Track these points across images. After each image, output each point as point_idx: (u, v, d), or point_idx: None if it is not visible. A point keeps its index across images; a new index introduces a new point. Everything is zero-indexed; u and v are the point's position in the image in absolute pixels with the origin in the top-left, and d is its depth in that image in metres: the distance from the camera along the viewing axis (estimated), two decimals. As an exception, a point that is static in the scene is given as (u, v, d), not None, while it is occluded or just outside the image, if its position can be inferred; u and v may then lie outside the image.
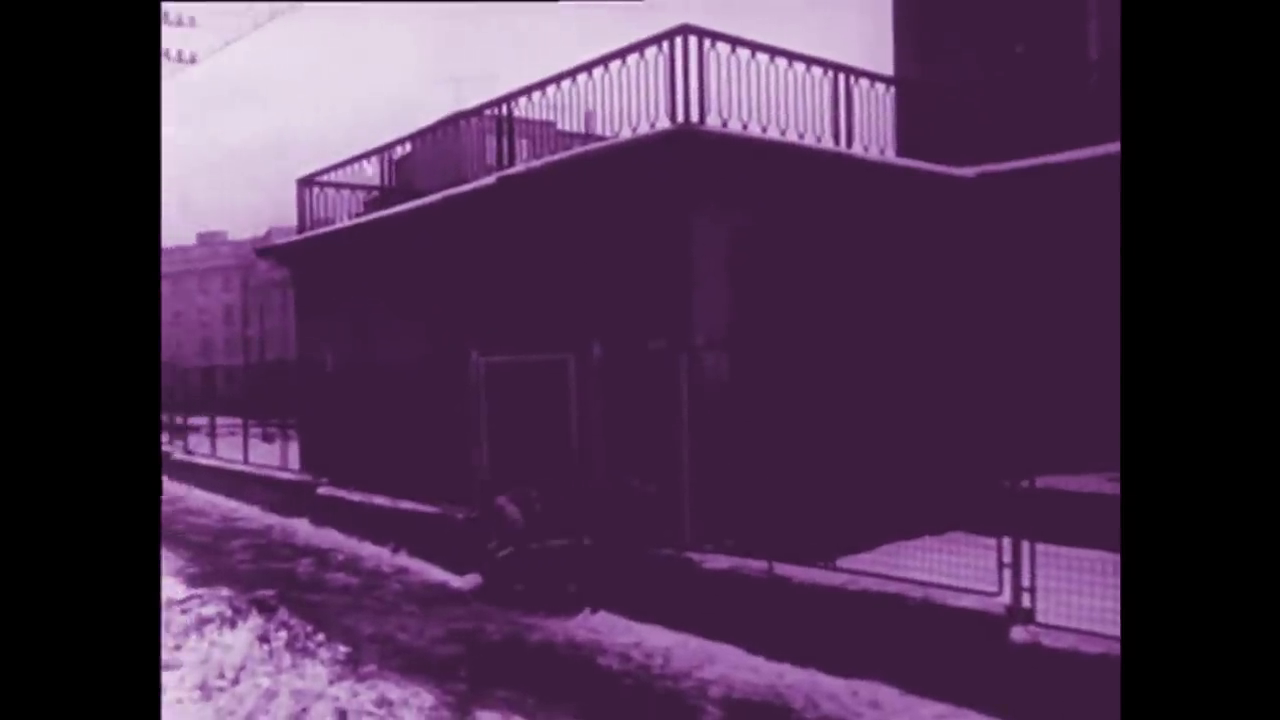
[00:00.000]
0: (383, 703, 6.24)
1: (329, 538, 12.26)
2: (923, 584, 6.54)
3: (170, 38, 17.81)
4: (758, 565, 7.44)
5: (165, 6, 18.13)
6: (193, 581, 9.60)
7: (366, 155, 14.71)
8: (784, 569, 7.30)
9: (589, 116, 10.62)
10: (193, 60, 17.82)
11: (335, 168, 15.29)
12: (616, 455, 8.95)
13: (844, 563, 7.30)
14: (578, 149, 9.82)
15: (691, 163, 8.67)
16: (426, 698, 6.36)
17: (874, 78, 10.31)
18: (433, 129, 13.35)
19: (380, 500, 11.85)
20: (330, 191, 15.47)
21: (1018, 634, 5.86)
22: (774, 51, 9.32)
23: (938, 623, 6.29)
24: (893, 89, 10.65)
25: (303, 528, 13.07)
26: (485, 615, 8.43)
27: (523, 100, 10.89)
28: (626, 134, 9.16)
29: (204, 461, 18.38)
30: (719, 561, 7.77)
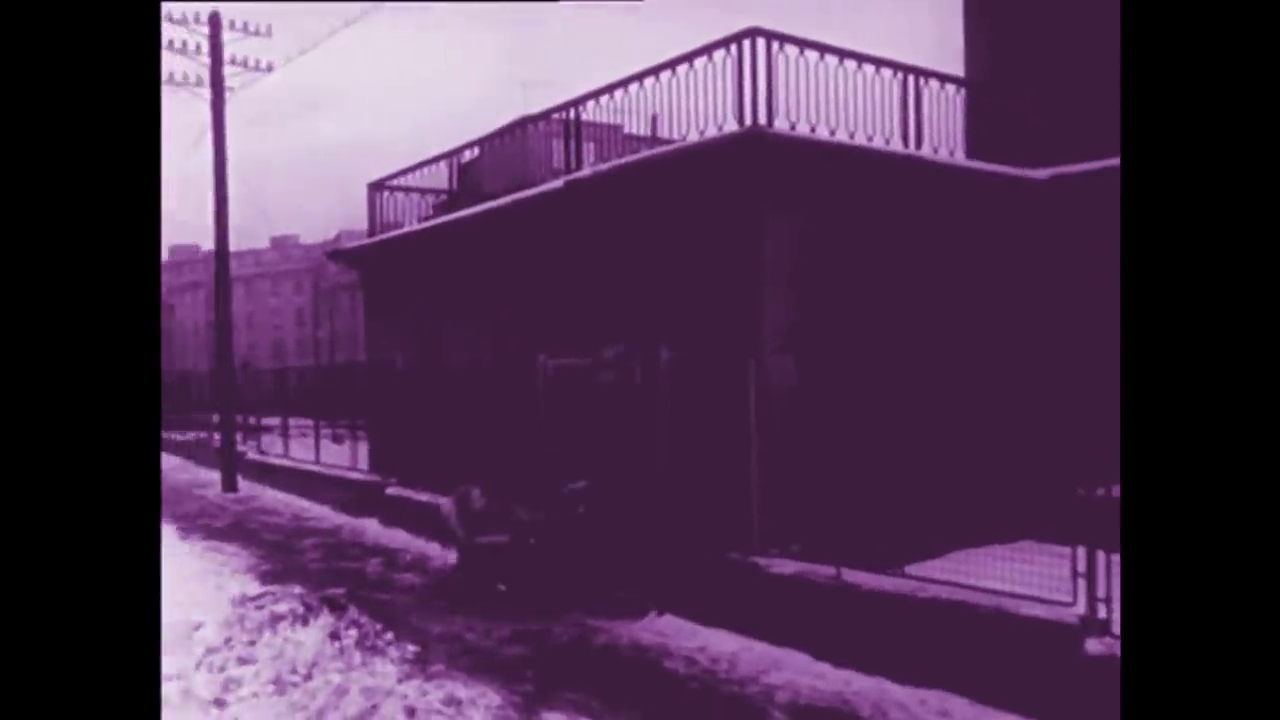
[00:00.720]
0: (451, 701, 6.31)
1: (397, 538, 12.41)
2: (994, 593, 6.44)
3: (247, 46, 18.16)
4: (825, 571, 7.39)
5: (241, 18, 18.48)
6: (265, 579, 9.78)
7: (435, 160, 14.89)
8: (851, 575, 7.24)
9: (654, 119, 10.64)
10: (269, 69, 18.12)
11: (405, 172, 15.50)
12: (683, 458, 8.94)
13: (912, 570, 7.21)
14: (645, 153, 9.84)
15: (759, 166, 8.64)
16: (494, 698, 6.41)
17: (944, 78, 10.19)
18: (500, 133, 13.47)
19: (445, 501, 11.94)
20: (399, 195, 15.69)
21: (1093, 646, 5.75)
22: (842, 53, 9.25)
23: (1009, 632, 6.19)
24: (963, 90, 10.51)
25: (372, 527, 13.25)
26: (553, 616, 8.47)
27: (590, 104, 10.94)
28: (694, 137, 9.16)
29: (276, 462, 18.71)
30: (786, 566, 7.73)
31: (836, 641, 7.09)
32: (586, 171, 10.44)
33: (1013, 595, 6.34)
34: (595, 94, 10.75)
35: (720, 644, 7.60)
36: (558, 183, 10.58)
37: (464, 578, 9.14)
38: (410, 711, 6.11)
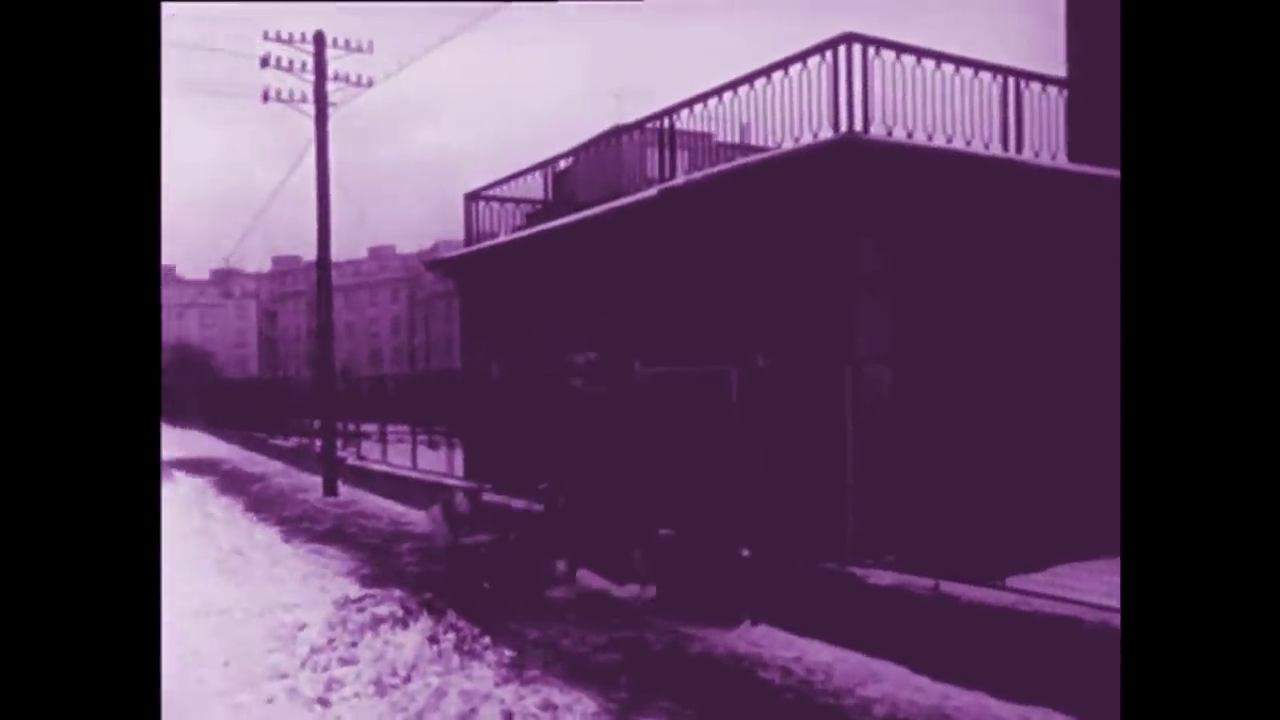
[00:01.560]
0: (547, 706, 6.37)
1: (493, 543, 12.56)
2: (1100, 607, 6.27)
3: (348, 63, 18.64)
4: (923, 583, 7.27)
5: (343, 35, 18.92)
6: (366, 582, 9.98)
7: (530, 170, 15.08)
8: (951, 587, 7.12)
9: (746, 127, 10.63)
10: (369, 84, 18.56)
11: (500, 183, 15.73)
12: (778, 467, 8.90)
13: (1014, 582, 7.07)
14: (739, 160, 9.83)
15: (854, 172, 8.57)
16: (589, 704, 6.45)
17: (1045, 80, 9.98)
18: (593, 143, 13.58)
19: (539, 507, 12.05)
20: (495, 205, 15.93)
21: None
22: (940, 56, 9.13)
23: (1117, 649, 6.01)
24: (1064, 92, 10.28)
25: (468, 533, 13.43)
26: (647, 624, 8.49)
27: (683, 113, 10.98)
28: (788, 144, 9.12)
29: (375, 467, 19.10)
30: (883, 577, 7.63)
31: (935, 655, 6.97)
32: (680, 180, 10.47)
33: (1119, 610, 6.16)
34: (689, 102, 10.78)
35: (816, 654, 7.54)
36: (652, 191, 10.62)
37: (451, 577, 9.28)
38: (508, 716, 6.18)
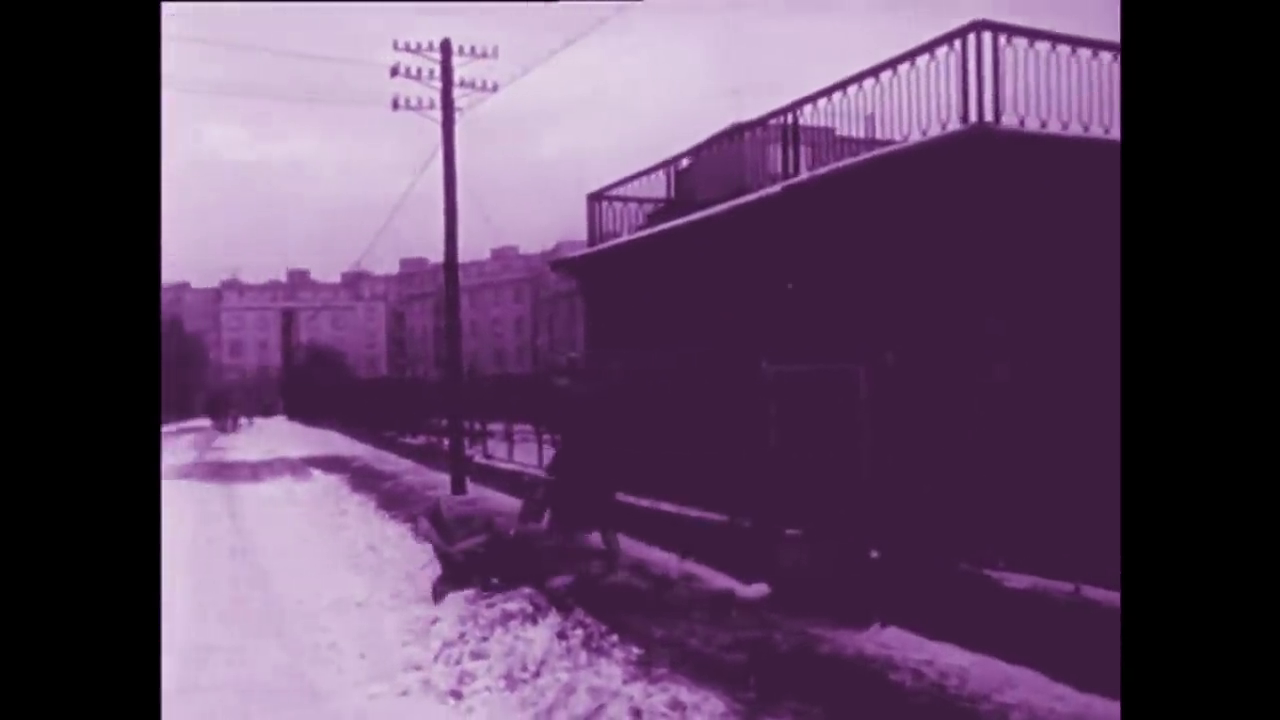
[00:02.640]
0: (675, 705, 6.36)
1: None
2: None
3: (473, 69, 19.00)
4: (1063, 586, 7.04)
5: (468, 42, 19.29)
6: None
7: (652, 170, 15.14)
8: (1092, 591, 6.87)
9: (869, 121, 10.46)
10: (494, 88, 18.89)
11: (622, 182, 15.83)
12: (907, 466, 8.74)
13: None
14: (865, 155, 9.68)
15: (985, 164, 8.35)
16: (717, 703, 6.43)
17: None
18: (714, 141, 13.56)
19: (667, 506, 12.09)
20: (617, 205, 16.04)
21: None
22: (1075, 42, 8.84)
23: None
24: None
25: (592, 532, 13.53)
26: (773, 624, 8.43)
27: (806, 108, 10.87)
28: (915, 137, 8.95)
29: (501, 465, 19.40)
30: (1020, 580, 7.42)
31: (1076, 662, 6.73)
32: (804, 176, 10.37)
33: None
34: (812, 97, 10.67)
35: (949, 658, 7.36)
36: (776, 188, 10.55)
37: (447, 581, 9.35)
38: (636, 713, 6.20)
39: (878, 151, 9.48)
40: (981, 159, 8.29)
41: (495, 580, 9.06)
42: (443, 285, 19.64)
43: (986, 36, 8.40)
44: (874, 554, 8.64)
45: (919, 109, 8.99)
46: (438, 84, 18.85)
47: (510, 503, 16.97)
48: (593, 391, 10.54)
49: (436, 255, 20.78)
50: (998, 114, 8.39)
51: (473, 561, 9.15)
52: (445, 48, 18.84)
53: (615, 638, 7.71)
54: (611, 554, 9.84)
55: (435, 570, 9.64)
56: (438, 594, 9.06)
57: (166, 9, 4.78)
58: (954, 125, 8.52)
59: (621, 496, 13.46)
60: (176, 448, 34.26)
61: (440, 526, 9.34)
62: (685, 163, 14.75)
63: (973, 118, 8.36)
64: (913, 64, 9.07)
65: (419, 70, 18.80)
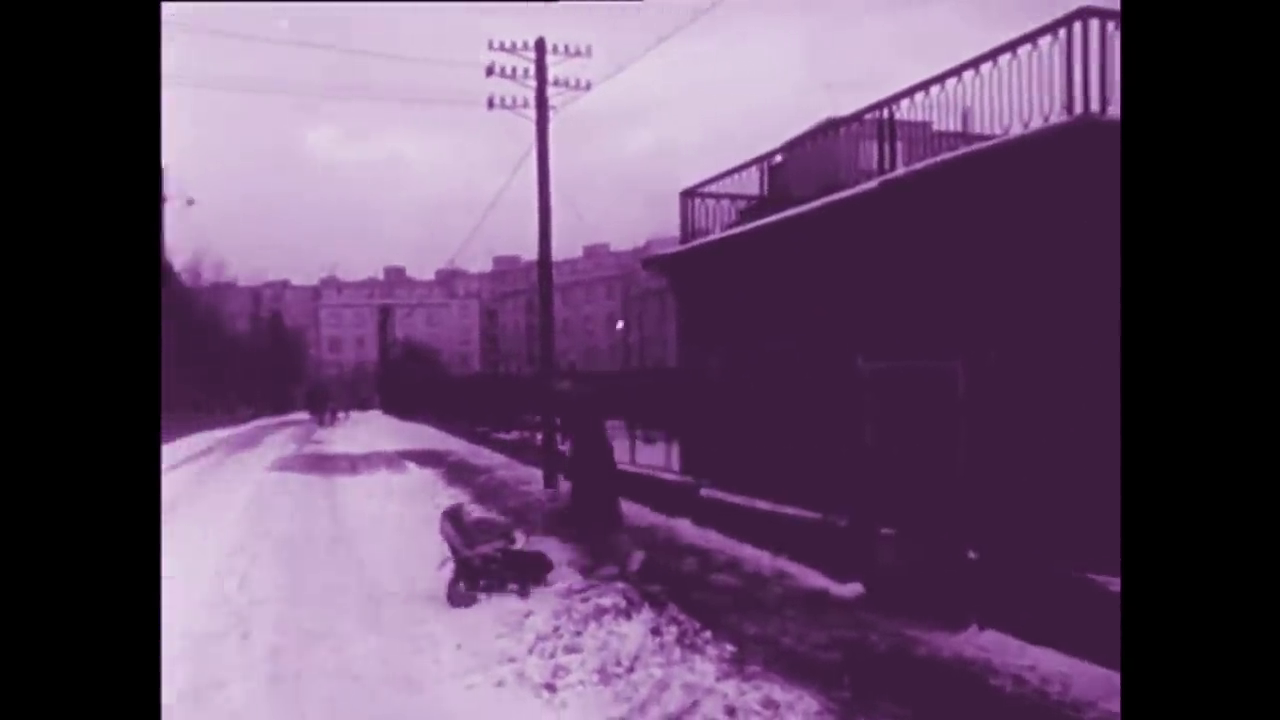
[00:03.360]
0: (769, 704, 6.33)
1: (710, 539, 12.63)
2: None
3: (567, 67, 19.14)
4: (1170, 592, 6.82)
5: (562, 41, 19.43)
6: (586, 573, 10.20)
7: (744, 166, 15.04)
8: (1202, 598, 6.64)
9: (966, 114, 10.24)
10: (588, 87, 19.00)
11: (715, 179, 15.76)
12: (1007, 466, 8.55)
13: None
14: (965, 149, 9.48)
15: (1091, 155, 8.11)
16: (811, 703, 6.38)
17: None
18: (807, 136, 13.42)
19: (761, 504, 12.05)
20: (710, 202, 15.98)
21: None
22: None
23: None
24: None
25: (685, 528, 13.55)
26: (868, 624, 8.34)
27: (903, 102, 10.69)
28: (1017, 130, 8.74)
29: (593, 460, 19.49)
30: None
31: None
32: (901, 171, 10.21)
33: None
34: (909, 91, 10.49)
35: (1050, 663, 7.19)
36: (872, 184, 10.41)
37: (462, 583, 9.40)
38: (730, 710, 6.19)
39: (979, 145, 9.27)
40: (1087, 150, 8.04)
41: (513, 586, 9.17)
42: (535, 283, 19.83)
43: (1093, 24, 8.15)
44: (971, 555, 8.48)
45: (1020, 101, 8.78)
46: (532, 83, 19.02)
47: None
48: (594, 392, 10.66)
49: (529, 253, 21.01)
50: (1104, 104, 8.13)
51: (488, 566, 9.26)
52: (539, 47, 19.01)
53: (708, 634, 7.70)
54: (624, 557, 9.87)
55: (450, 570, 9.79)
56: (452, 596, 9.20)
57: (167, 9, 4.81)
58: (1058, 117, 8.28)
59: (711, 492, 13.47)
60: (277, 440, 35.20)
61: (460, 529, 9.45)
62: (778, 159, 14.63)
63: (1078, 108, 8.12)
64: (1014, 54, 8.85)
65: (513, 69, 19.01)
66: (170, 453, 27.34)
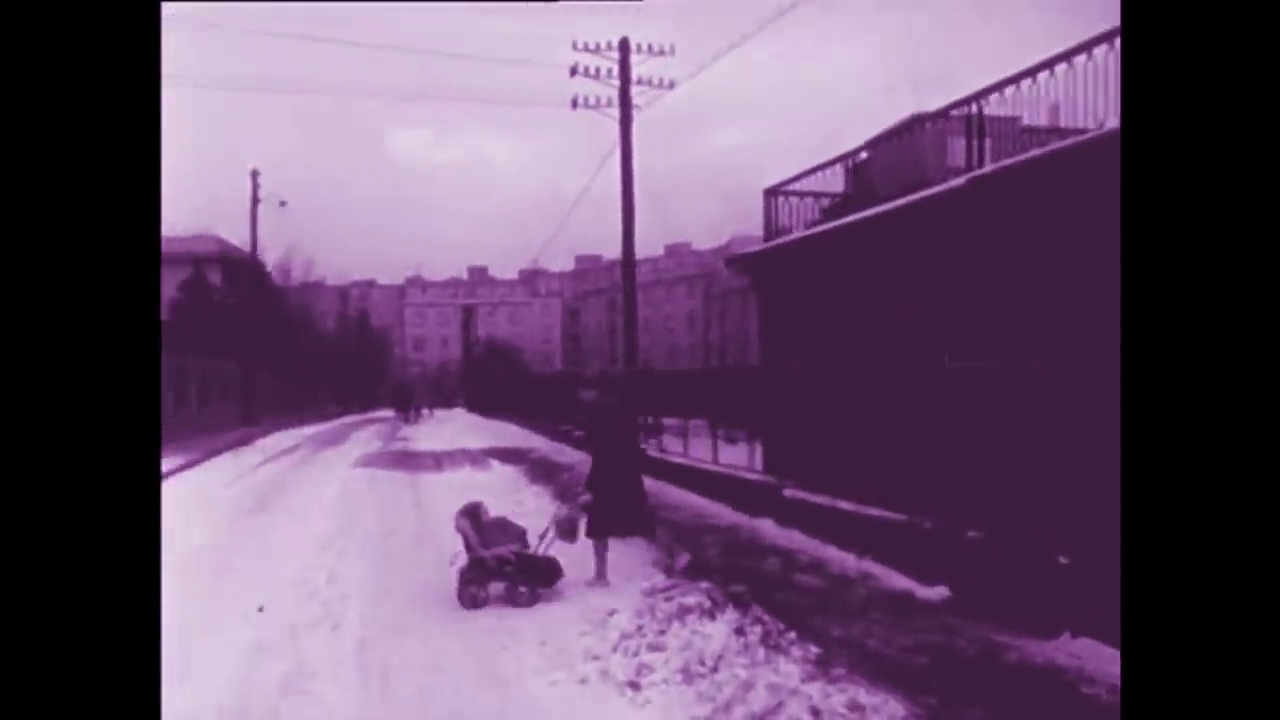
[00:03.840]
0: (854, 707, 6.26)
1: (793, 539, 12.54)
2: None
3: (650, 66, 19.18)
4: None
5: (645, 40, 19.46)
6: (670, 572, 10.20)
7: (829, 164, 14.92)
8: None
9: (1057, 108, 10.00)
10: (671, 85, 19.03)
11: (799, 177, 15.67)
12: (1099, 470, 8.33)
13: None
14: (1058, 143, 9.27)
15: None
16: (897, 707, 6.29)
17: None
18: (892, 133, 13.26)
19: (845, 505, 11.93)
20: (794, 200, 15.88)
21: None
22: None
23: None
24: None
25: (767, 528, 13.48)
26: (955, 629, 8.20)
27: (992, 97, 10.50)
28: (1112, 124, 8.52)
29: (675, 460, 19.51)
30: (1224, 593, 6.98)
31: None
32: (990, 167, 10.02)
33: None
34: (998, 86, 10.30)
35: (1146, 672, 6.99)
36: (960, 180, 10.23)
37: (473, 582, 9.35)
38: (815, 712, 6.13)
39: (1071, 140, 9.05)
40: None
41: (523, 589, 9.20)
42: (617, 281, 19.90)
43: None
44: (1063, 560, 8.28)
45: (1116, 94, 8.56)
46: (616, 82, 19.10)
47: (685, 497, 17.09)
48: (620, 402, 10.57)
49: (610, 252, 21.14)
50: (1204, 97, 7.89)
51: (502, 568, 9.26)
52: (623, 46, 19.08)
53: (793, 635, 7.64)
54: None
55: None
56: (463, 596, 9.23)
57: (167, 9, 4.83)
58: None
59: (795, 493, 13.38)
60: (362, 437, 35.84)
61: (478, 527, 9.45)
62: (863, 155, 14.48)
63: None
64: (1110, 46, 8.63)
65: (597, 69, 19.11)
66: (260, 449, 28.09)
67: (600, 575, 9.73)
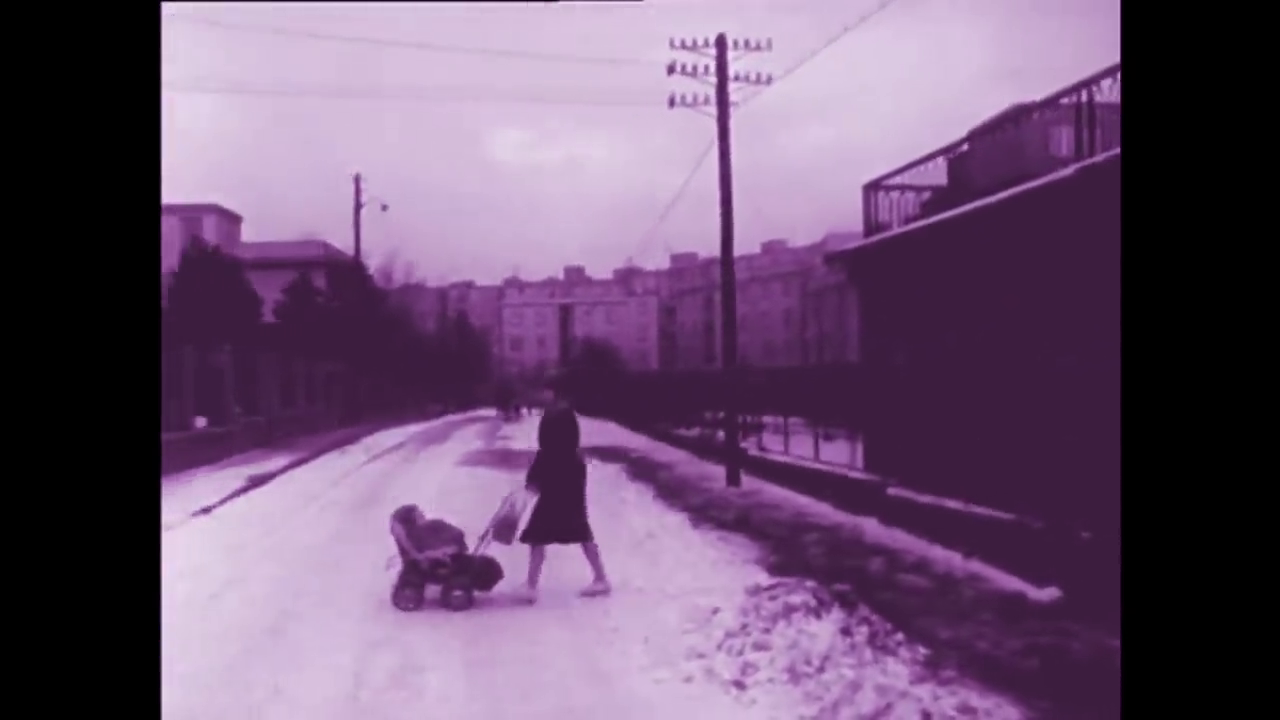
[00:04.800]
0: (965, 710, 6.13)
1: (897, 538, 12.36)
2: None
3: (747, 62, 19.07)
4: None
5: (743, 35, 19.37)
6: (773, 570, 10.15)
7: (929, 157, 14.69)
8: None
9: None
10: (768, 81, 18.90)
11: (899, 171, 15.45)
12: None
13: None
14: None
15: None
16: (1010, 711, 6.15)
17: None
18: (995, 124, 12.98)
19: (951, 503, 11.73)
20: (894, 194, 15.66)
21: None
22: None
23: None
24: None
25: (870, 526, 13.31)
26: (1069, 632, 7.98)
27: (1103, 83, 10.20)
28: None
29: (775, 458, 19.42)
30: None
31: None
32: (1102, 156, 9.73)
33: None
34: (1109, 72, 10.00)
35: (1274, 679, 6.72)
36: (1068, 170, 9.96)
37: (408, 585, 9.28)
38: (926, 715, 6.01)
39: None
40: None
41: (458, 592, 9.16)
42: (713, 280, 19.88)
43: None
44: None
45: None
46: (713, 79, 19.04)
47: (786, 496, 16.98)
48: (568, 406, 10.43)
49: (706, 250, 21.15)
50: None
51: (436, 570, 9.22)
52: (720, 43, 19.01)
53: (900, 636, 7.52)
54: (597, 569, 9.62)
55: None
56: (397, 597, 9.22)
57: (167, 9, 4.84)
58: None
59: (899, 491, 13.18)
60: (464, 435, 36.41)
61: (411, 531, 9.42)
62: (964, 148, 14.22)
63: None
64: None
65: (694, 67, 19.08)
66: (366, 448, 28.71)
67: (532, 582, 9.57)
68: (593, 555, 9.69)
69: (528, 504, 9.66)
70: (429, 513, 9.91)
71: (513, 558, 9.59)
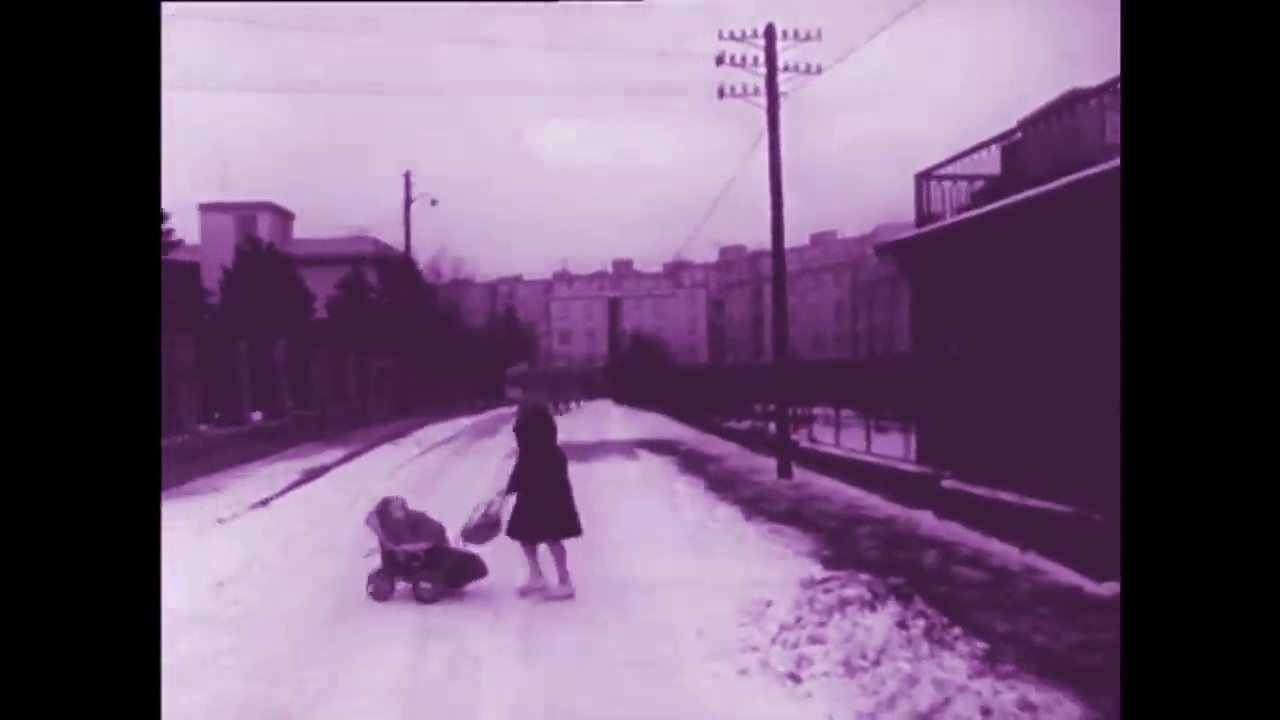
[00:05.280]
0: (1025, 705, 6.06)
1: (952, 531, 12.24)
2: None
3: (797, 52, 18.95)
4: None
5: (792, 25, 19.25)
6: (827, 563, 10.09)
7: (981, 146, 14.51)
8: None
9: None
10: (818, 71, 18.77)
11: (951, 160, 15.29)
12: None
13: None
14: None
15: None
16: (1071, 708, 6.06)
17: None
18: (1049, 111, 12.79)
19: (1007, 496, 11.59)
20: (946, 184, 15.49)
21: None
22: None
23: None
24: None
25: (925, 519, 13.19)
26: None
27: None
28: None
29: (827, 450, 19.31)
30: None
31: None
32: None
33: None
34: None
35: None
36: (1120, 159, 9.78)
37: (385, 577, 9.33)
38: (985, 711, 5.95)
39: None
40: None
41: (425, 585, 9.17)
42: (762, 272, 19.88)
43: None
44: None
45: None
46: (762, 70, 18.95)
47: (837, 488, 16.88)
48: (541, 401, 10.33)
49: (754, 243, 21.10)
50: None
51: (410, 563, 9.23)
52: (769, 33, 18.91)
53: (958, 630, 7.45)
54: (563, 571, 9.47)
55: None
56: (377, 590, 9.26)
57: (167, 9, 4.83)
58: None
59: (953, 484, 13.06)
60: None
61: (387, 524, 9.41)
62: (1017, 136, 14.02)
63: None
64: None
65: (743, 58, 18.99)
66: (417, 441, 28.96)
67: (535, 577, 9.51)
68: (559, 555, 9.52)
69: (504, 506, 9.65)
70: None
71: (512, 558, 9.66)
